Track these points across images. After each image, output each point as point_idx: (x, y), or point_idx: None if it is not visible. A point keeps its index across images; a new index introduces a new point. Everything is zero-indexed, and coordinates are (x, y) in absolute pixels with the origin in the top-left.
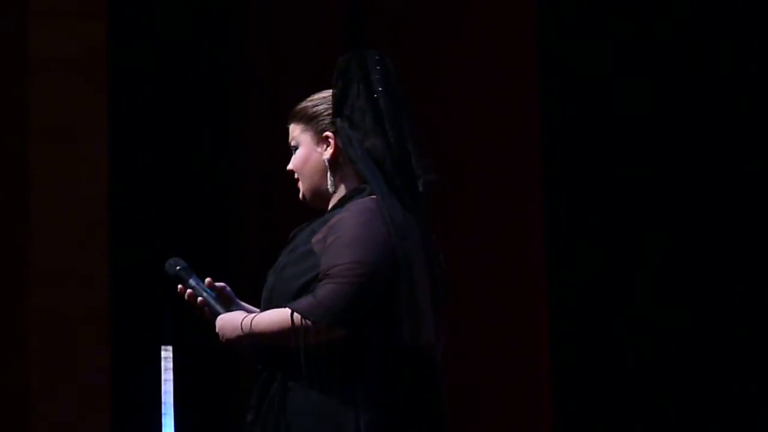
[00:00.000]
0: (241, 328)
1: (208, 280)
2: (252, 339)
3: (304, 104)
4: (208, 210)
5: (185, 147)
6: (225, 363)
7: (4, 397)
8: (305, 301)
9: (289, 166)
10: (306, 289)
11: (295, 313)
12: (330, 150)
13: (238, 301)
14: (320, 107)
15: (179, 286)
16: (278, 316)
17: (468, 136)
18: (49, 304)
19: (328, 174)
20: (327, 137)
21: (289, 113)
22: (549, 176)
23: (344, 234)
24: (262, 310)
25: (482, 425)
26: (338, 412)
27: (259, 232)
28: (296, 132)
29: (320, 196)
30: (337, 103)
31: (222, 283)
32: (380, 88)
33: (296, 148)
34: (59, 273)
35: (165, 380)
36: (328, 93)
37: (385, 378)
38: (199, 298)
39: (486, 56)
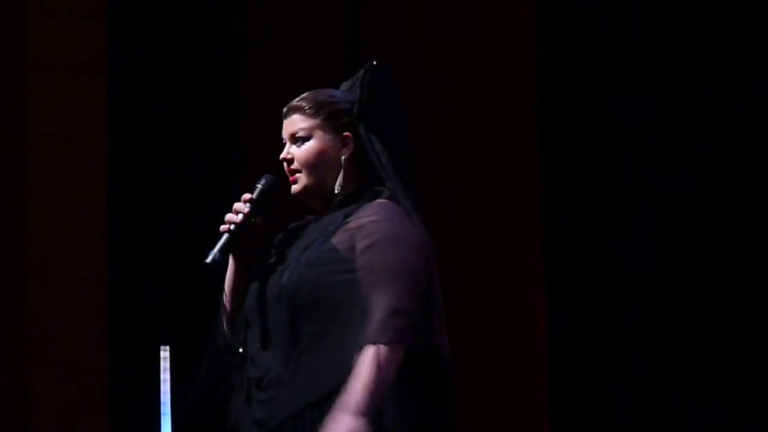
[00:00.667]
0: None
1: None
2: (371, 412)
3: (315, 98)
4: (207, 210)
5: (184, 147)
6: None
7: (3, 396)
8: (374, 328)
9: (290, 156)
10: (342, 287)
11: (379, 347)
12: (348, 150)
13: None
14: (340, 106)
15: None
16: (364, 371)
17: (465, 137)
18: (48, 303)
19: (341, 173)
20: (347, 137)
21: (294, 105)
22: (547, 176)
23: (384, 236)
24: (279, 308)
25: (479, 426)
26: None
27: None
28: (305, 124)
29: (322, 192)
30: (363, 107)
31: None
32: (397, 99)
33: (303, 139)
34: (58, 273)
35: (163, 381)
36: (337, 92)
37: (417, 382)
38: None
39: (484, 55)
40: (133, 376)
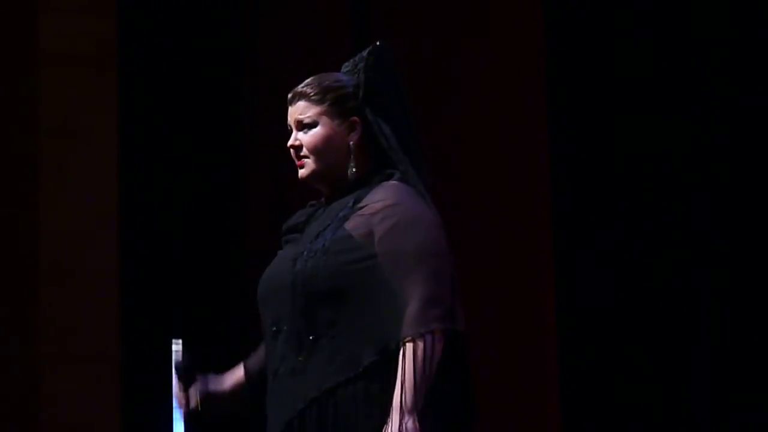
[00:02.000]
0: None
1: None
2: (416, 404)
3: (320, 84)
4: (217, 206)
5: (195, 142)
6: (234, 356)
7: (14, 392)
8: (414, 319)
9: (298, 143)
10: (360, 275)
11: (424, 338)
12: (356, 135)
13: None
14: (345, 90)
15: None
16: (412, 365)
17: (474, 131)
18: (59, 299)
19: (352, 157)
20: (354, 122)
21: (299, 91)
22: (556, 172)
23: (403, 219)
24: (294, 296)
25: (487, 422)
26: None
27: (267, 227)
28: (311, 111)
29: (333, 177)
30: (368, 90)
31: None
32: (400, 80)
33: (310, 126)
34: (69, 270)
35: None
36: (342, 76)
37: (444, 365)
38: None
39: (493, 51)
40: (144, 371)
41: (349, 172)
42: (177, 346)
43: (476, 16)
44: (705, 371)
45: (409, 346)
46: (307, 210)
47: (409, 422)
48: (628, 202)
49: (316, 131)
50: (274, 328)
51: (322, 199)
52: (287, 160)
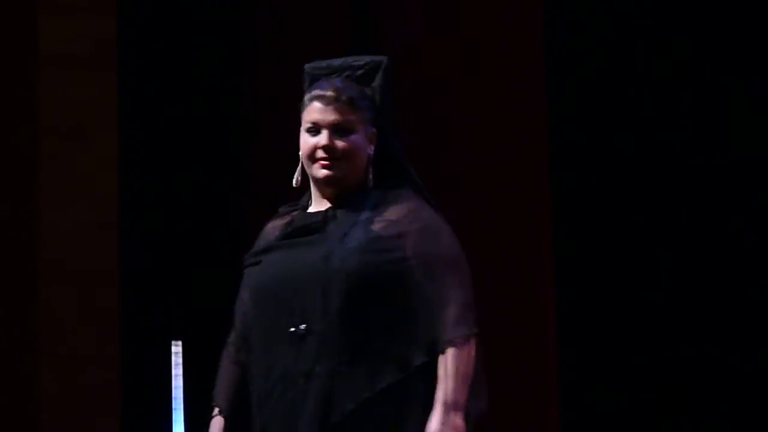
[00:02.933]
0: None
1: None
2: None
3: (352, 91)
4: (217, 206)
5: (195, 142)
6: None
7: (14, 391)
8: (455, 322)
9: (333, 144)
10: (396, 276)
11: (467, 341)
12: (373, 146)
13: None
14: (367, 102)
15: None
16: (457, 367)
17: (475, 134)
18: (59, 301)
19: (370, 168)
20: (374, 133)
21: (337, 95)
22: (556, 174)
23: (431, 225)
24: (328, 294)
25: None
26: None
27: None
28: (350, 117)
29: (349, 183)
30: (383, 106)
31: None
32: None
33: (347, 131)
34: (69, 270)
35: (175, 375)
36: (359, 86)
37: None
38: None
39: (493, 54)
40: (144, 371)
41: (367, 180)
42: (176, 347)
43: (477, 16)
44: (705, 371)
45: (454, 347)
46: (305, 213)
47: (457, 419)
48: (628, 203)
49: (354, 138)
50: (302, 328)
51: (305, 203)
52: (287, 160)
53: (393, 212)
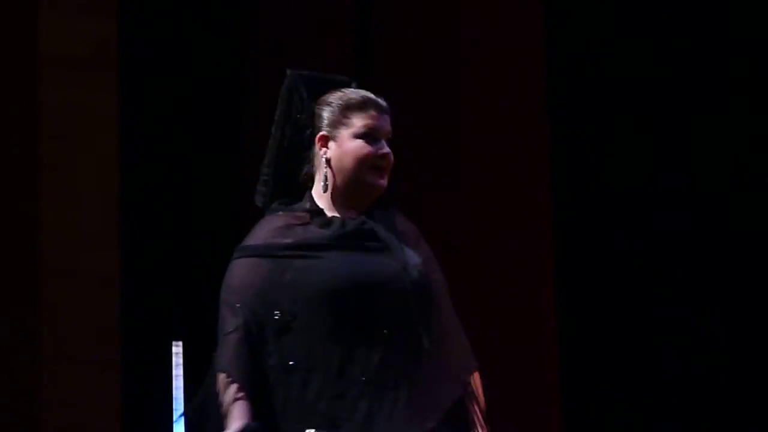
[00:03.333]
0: None
1: None
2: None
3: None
4: (217, 207)
5: (195, 144)
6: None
7: (15, 394)
8: (468, 355)
9: (390, 154)
10: (441, 292)
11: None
12: None
13: None
14: None
15: None
16: (480, 390)
17: (476, 134)
18: (60, 301)
19: None
20: None
21: (386, 104)
22: (557, 174)
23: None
24: (407, 304)
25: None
26: None
27: None
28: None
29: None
30: None
31: None
32: None
33: (389, 142)
34: (70, 271)
35: (176, 376)
36: None
37: None
38: None
39: (493, 54)
40: (145, 372)
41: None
42: (177, 348)
43: (478, 15)
44: (706, 371)
45: (475, 375)
46: (339, 218)
47: None
48: (629, 206)
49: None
50: (385, 332)
51: (310, 206)
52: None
53: (412, 233)
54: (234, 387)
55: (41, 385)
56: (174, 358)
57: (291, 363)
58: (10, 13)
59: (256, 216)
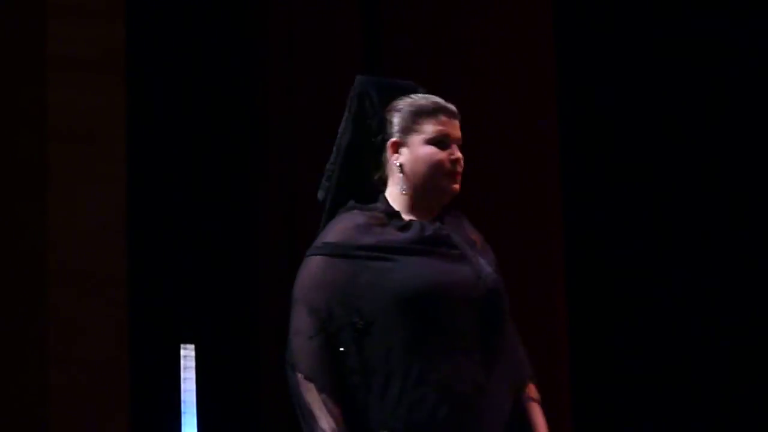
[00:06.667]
0: None
1: None
2: None
3: None
4: (225, 208)
5: (203, 146)
6: (246, 361)
7: (23, 396)
8: (526, 365)
9: (460, 159)
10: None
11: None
12: None
13: None
14: None
15: None
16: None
17: (484, 132)
18: (68, 304)
19: None
20: None
21: (455, 110)
22: (567, 174)
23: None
24: (481, 311)
25: None
26: None
27: (278, 231)
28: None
29: None
30: None
31: None
32: None
33: (460, 147)
34: (78, 273)
35: (185, 379)
36: None
37: None
38: None
39: (503, 60)
40: (153, 373)
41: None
42: (185, 351)
43: (487, 12)
44: (708, 371)
45: (533, 381)
46: (418, 222)
47: None
48: (638, 205)
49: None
50: (461, 340)
51: (386, 208)
52: (296, 163)
53: (480, 240)
54: (323, 396)
55: (49, 386)
56: (183, 361)
57: (371, 367)
58: (18, 15)
59: (262, 218)
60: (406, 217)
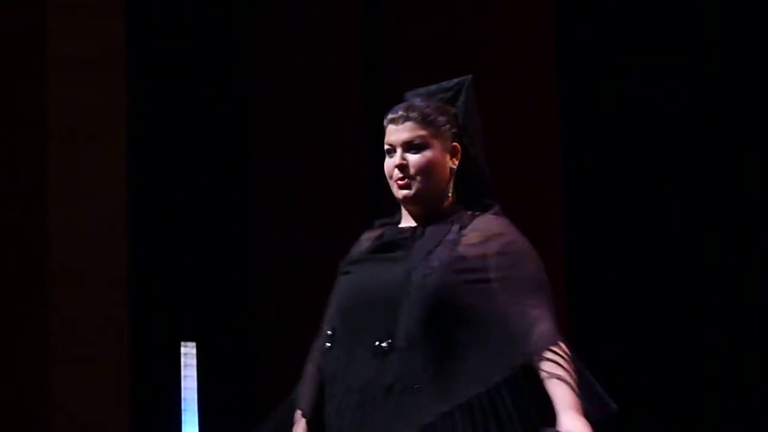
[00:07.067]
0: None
1: None
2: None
3: (426, 108)
4: (225, 207)
5: (203, 145)
6: (247, 358)
7: (25, 393)
8: (548, 331)
9: (406, 162)
10: (480, 295)
11: (560, 345)
12: (457, 161)
13: None
14: (449, 116)
15: None
16: (564, 369)
17: (486, 136)
18: (68, 301)
19: (452, 182)
20: (456, 148)
21: (406, 113)
22: (567, 174)
23: (522, 250)
24: (411, 310)
25: None
26: None
27: (276, 231)
28: (423, 132)
29: (432, 199)
30: (464, 118)
31: None
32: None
33: (419, 147)
34: (79, 272)
35: (186, 376)
36: (438, 102)
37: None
38: None
39: (504, 57)
40: (153, 372)
41: (450, 195)
42: (185, 349)
43: (488, 14)
44: (711, 371)
45: (554, 354)
46: (398, 228)
47: (584, 420)
48: (638, 205)
49: (427, 153)
50: (384, 345)
51: (398, 219)
52: (296, 163)
53: (479, 235)
54: (301, 424)
55: (50, 385)
56: (183, 359)
57: (328, 377)
58: (20, 15)
59: (262, 217)
60: (403, 223)
